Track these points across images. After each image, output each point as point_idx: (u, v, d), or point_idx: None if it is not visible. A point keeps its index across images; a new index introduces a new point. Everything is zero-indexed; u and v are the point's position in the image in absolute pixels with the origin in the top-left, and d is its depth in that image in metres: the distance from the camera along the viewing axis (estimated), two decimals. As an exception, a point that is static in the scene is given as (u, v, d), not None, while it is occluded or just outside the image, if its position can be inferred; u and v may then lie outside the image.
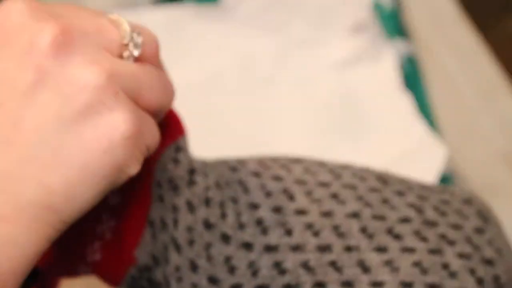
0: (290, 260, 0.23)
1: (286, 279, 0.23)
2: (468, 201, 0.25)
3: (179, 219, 0.23)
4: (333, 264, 0.23)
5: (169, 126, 0.24)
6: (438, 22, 0.57)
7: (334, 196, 0.24)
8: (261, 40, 0.51)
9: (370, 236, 0.23)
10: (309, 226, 0.23)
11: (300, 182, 0.25)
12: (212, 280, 0.23)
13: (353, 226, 0.23)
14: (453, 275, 0.22)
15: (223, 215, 0.23)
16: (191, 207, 0.23)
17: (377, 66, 0.51)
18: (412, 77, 0.51)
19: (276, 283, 0.23)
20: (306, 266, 0.23)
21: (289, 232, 0.23)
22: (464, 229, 0.24)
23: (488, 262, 0.23)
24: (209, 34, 0.51)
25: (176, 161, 0.23)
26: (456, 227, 0.24)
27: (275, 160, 0.26)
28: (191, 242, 0.22)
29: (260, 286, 0.23)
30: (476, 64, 0.54)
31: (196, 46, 0.50)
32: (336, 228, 0.23)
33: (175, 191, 0.23)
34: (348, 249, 0.23)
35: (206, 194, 0.23)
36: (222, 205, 0.23)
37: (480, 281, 0.22)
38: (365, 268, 0.23)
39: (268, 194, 0.24)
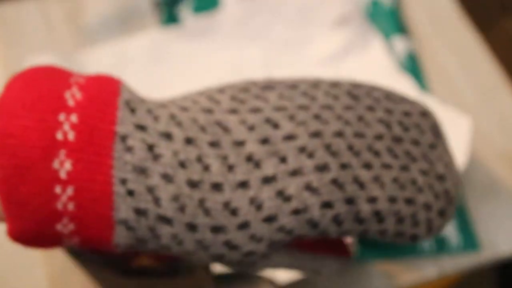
0: (292, 186, 0.22)
1: (293, 204, 0.22)
2: (424, 114, 0.25)
3: (159, 196, 0.21)
4: (334, 182, 0.22)
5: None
6: (438, 22, 0.57)
7: (316, 117, 0.24)
8: (246, 49, 0.51)
9: (357, 154, 0.23)
10: (302, 149, 0.23)
11: (280, 108, 0.24)
12: (216, 229, 0.22)
13: (341, 144, 0.23)
14: (420, 190, 0.23)
15: (206, 168, 0.22)
16: (167, 177, 0.21)
17: (367, 54, 0.51)
18: (412, 76, 0.51)
19: (283, 211, 0.22)
20: (309, 188, 0.22)
21: (283, 159, 0.23)
22: (422, 145, 0.24)
23: (440, 177, 0.23)
24: (195, 52, 0.51)
25: (128, 149, 0.21)
26: (416, 142, 0.24)
27: (246, 90, 0.25)
28: (181, 209, 0.22)
29: (268, 218, 0.22)
30: (476, 64, 0.54)
31: (185, 66, 0.50)
32: (328, 147, 0.23)
33: (143, 173, 0.21)
34: (343, 166, 0.23)
35: (178, 158, 0.22)
36: (199, 159, 0.22)
37: (436, 195, 0.23)
38: (360, 184, 0.23)
39: (251, 128, 0.23)
